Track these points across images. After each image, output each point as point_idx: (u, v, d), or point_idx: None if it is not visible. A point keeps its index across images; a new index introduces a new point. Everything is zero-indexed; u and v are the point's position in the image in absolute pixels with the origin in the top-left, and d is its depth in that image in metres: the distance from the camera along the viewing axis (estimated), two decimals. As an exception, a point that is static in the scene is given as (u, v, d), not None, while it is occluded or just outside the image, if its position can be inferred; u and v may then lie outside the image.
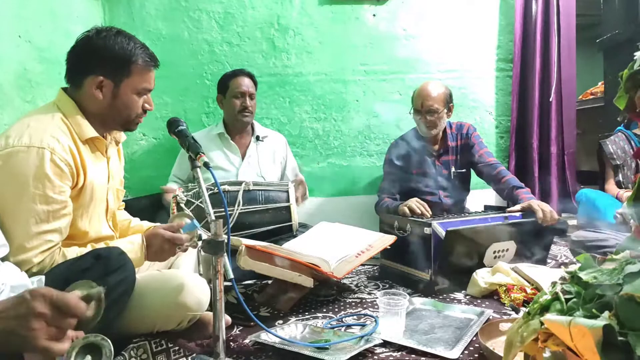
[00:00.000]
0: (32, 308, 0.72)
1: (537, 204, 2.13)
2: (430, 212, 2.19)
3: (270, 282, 1.99)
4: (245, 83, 2.53)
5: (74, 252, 1.31)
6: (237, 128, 2.59)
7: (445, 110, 2.48)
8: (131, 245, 1.36)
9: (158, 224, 1.71)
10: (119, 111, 1.41)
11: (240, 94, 2.51)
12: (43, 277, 1.15)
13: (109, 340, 0.86)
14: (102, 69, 1.36)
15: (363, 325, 1.62)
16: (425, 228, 1.97)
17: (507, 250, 2.08)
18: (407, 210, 2.20)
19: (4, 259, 1.11)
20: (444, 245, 1.88)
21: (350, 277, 2.23)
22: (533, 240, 2.14)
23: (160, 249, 1.37)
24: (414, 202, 2.22)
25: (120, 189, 1.63)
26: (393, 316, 1.49)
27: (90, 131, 1.38)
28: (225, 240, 1.20)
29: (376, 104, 3.05)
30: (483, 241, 2.01)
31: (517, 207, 2.18)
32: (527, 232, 2.11)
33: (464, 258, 2.00)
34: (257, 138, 2.62)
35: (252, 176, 2.53)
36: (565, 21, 3.05)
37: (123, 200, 1.74)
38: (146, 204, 2.21)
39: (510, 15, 3.11)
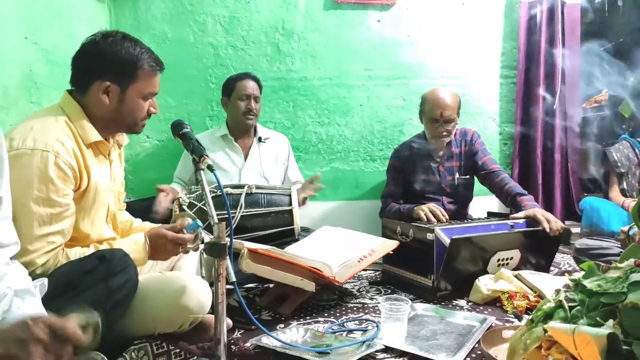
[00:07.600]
0: (33, 334, 0.75)
1: (541, 213, 2.11)
2: (446, 217, 2.18)
3: (272, 285, 1.99)
4: (251, 86, 2.55)
5: (76, 252, 1.31)
6: (240, 130, 2.61)
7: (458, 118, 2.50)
8: (134, 245, 1.38)
9: (160, 224, 1.72)
10: (125, 115, 1.42)
11: (245, 96, 2.53)
12: (46, 280, 1.14)
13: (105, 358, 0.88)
14: (108, 74, 1.37)
15: (364, 331, 1.62)
16: (427, 234, 1.96)
17: (512, 258, 2.07)
18: (422, 214, 2.19)
19: (12, 259, 1.11)
20: (448, 252, 1.87)
21: (352, 282, 2.23)
22: (538, 248, 2.13)
23: (163, 248, 1.40)
24: (428, 209, 2.21)
25: (121, 191, 1.63)
26: (395, 322, 1.49)
27: (94, 135, 1.38)
28: (228, 243, 1.20)
29: (380, 109, 3.06)
30: (488, 249, 2.00)
31: (521, 214, 2.16)
32: (532, 240, 2.10)
33: (468, 265, 1.99)
34: (260, 139, 2.63)
35: (254, 177, 2.54)
36: (570, 28, 3.05)
37: (125, 202, 1.74)
38: (149, 206, 2.21)
39: (514, 22, 3.11)
